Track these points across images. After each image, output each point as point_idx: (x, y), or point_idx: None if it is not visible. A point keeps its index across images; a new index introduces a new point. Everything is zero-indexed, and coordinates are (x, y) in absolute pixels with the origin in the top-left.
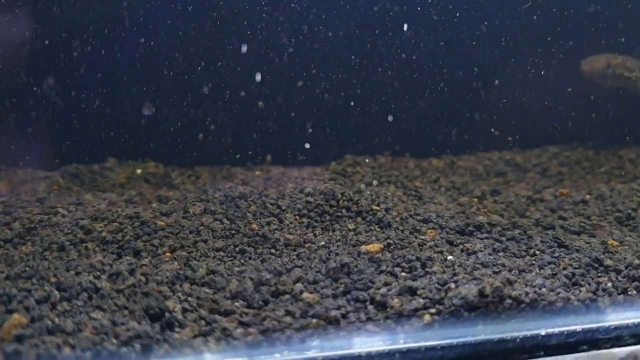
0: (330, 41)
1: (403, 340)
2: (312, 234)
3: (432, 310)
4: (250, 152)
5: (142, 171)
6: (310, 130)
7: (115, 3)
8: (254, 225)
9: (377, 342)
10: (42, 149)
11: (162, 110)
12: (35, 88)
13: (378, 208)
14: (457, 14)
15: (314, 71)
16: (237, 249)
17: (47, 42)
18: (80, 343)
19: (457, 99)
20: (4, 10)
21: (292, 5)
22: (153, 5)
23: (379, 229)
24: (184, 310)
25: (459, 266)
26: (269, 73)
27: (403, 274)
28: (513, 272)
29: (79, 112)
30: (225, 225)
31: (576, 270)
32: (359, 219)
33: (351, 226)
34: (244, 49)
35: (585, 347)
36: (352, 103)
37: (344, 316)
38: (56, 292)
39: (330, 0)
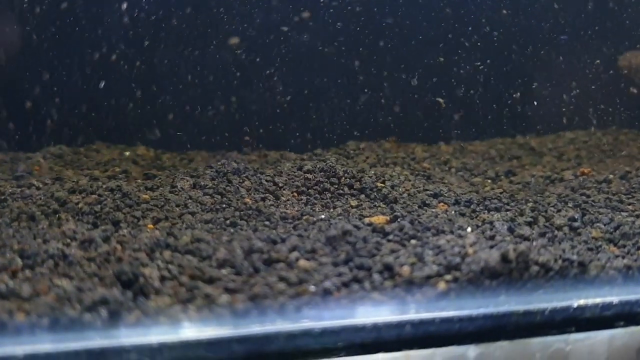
0: (332, 26)
1: (414, 310)
2: (310, 209)
3: (448, 277)
4: (246, 138)
5: (131, 153)
6: (310, 116)
7: None
8: (247, 200)
9: (384, 312)
10: (25, 131)
11: (155, 94)
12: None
13: (383, 185)
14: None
15: (314, 56)
16: (228, 221)
17: (33, 25)
18: (37, 309)
19: (468, 85)
20: None
21: None
22: None
23: (384, 205)
24: (163, 278)
25: (475, 234)
26: (266, 57)
27: (413, 241)
28: (538, 240)
29: (66, 94)
30: (215, 199)
31: (610, 239)
32: (362, 196)
33: (354, 203)
34: (240, 32)
35: (622, 322)
36: (353, 88)
37: (345, 284)
38: (18, 259)
39: None
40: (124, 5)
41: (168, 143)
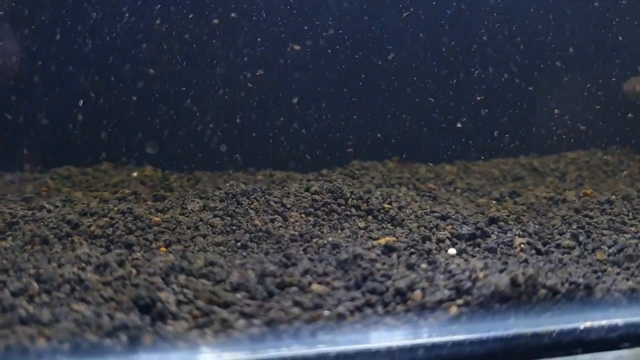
0: (335, 45)
1: (427, 334)
2: (319, 231)
3: (459, 302)
4: (252, 158)
5: (139, 174)
6: (315, 136)
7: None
8: (256, 221)
9: (397, 337)
10: (33, 152)
11: (161, 114)
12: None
13: (390, 206)
14: (470, 17)
15: (317, 74)
16: (239, 244)
17: (38, 45)
18: (58, 334)
19: (470, 105)
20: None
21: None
22: (150, 7)
23: (391, 227)
24: (179, 303)
25: (484, 258)
26: (271, 77)
27: (423, 265)
28: (547, 264)
29: (74, 115)
30: (225, 221)
31: (614, 261)
32: (369, 217)
33: (361, 224)
34: (247, 53)
35: (627, 343)
36: (357, 109)
37: (358, 309)
38: (35, 284)
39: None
40: (131, 27)
41: (174, 163)
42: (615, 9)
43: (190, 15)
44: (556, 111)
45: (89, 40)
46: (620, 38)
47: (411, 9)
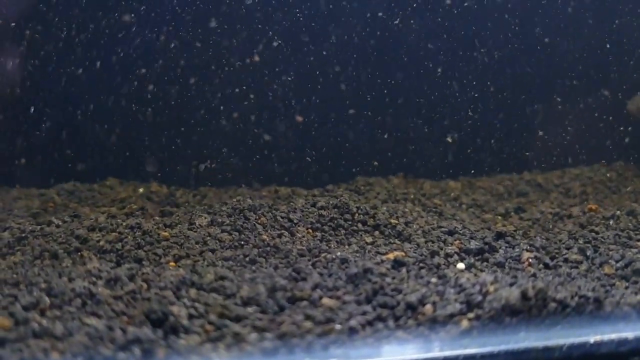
0: (341, 61)
1: (438, 348)
2: (326, 246)
3: (470, 316)
4: (257, 174)
5: (145, 190)
6: (319, 152)
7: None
8: (264, 236)
9: (409, 351)
10: (38, 168)
11: (167, 131)
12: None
13: (397, 222)
14: (464, 34)
15: (321, 92)
16: (248, 258)
17: (43, 59)
18: (71, 348)
19: (474, 121)
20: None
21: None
22: (161, 24)
23: (399, 242)
24: (191, 316)
25: (493, 272)
26: (275, 94)
27: (433, 279)
28: (555, 278)
29: (79, 130)
30: (233, 236)
31: (622, 275)
32: (376, 232)
33: (368, 239)
34: (249, 69)
35: (637, 357)
36: (362, 124)
37: (369, 323)
38: (46, 298)
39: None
40: (134, 44)
41: (180, 179)
42: (618, 26)
43: (193, 35)
44: (559, 127)
45: (95, 57)
46: (625, 57)
47: (414, 26)
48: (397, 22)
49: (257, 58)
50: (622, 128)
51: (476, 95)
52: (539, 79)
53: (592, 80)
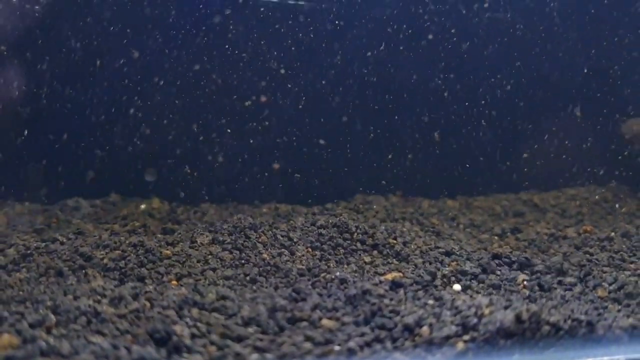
0: (340, 82)
1: None
2: (326, 265)
3: (466, 338)
4: (257, 191)
5: (147, 207)
6: (318, 169)
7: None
8: (264, 255)
9: None
10: (42, 183)
11: (168, 147)
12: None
13: (395, 242)
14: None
15: (323, 109)
16: (248, 277)
17: (47, 78)
18: None
19: (472, 140)
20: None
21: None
22: (163, 36)
23: (397, 262)
24: (193, 336)
25: (489, 294)
26: (276, 111)
27: (430, 301)
28: (550, 300)
29: (81, 147)
30: (234, 255)
31: (615, 298)
32: (375, 252)
33: (367, 259)
34: (253, 91)
35: None
36: (362, 143)
37: (368, 344)
38: (52, 316)
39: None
40: (135, 62)
41: (181, 195)
42: (614, 50)
43: (197, 55)
44: (555, 148)
45: (99, 76)
46: (619, 81)
47: (411, 49)
48: (395, 45)
49: (257, 77)
50: (616, 149)
51: (472, 115)
52: (535, 101)
53: (587, 103)
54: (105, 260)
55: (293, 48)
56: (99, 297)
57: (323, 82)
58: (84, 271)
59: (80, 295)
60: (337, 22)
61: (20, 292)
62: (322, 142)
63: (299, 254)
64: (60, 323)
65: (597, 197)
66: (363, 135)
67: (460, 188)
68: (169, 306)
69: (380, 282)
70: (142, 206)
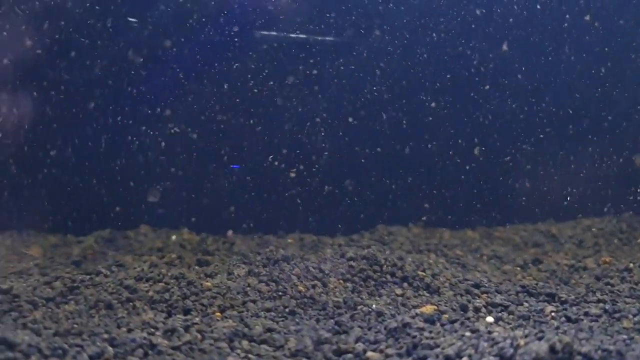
0: (358, 108)
1: None
2: (358, 297)
3: None
4: (280, 221)
5: (178, 238)
6: (342, 200)
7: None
8: (300, 288)
9: None
10: (74, 215)
11: (195, 178)
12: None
13: (424, 274)
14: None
15: (342, 139)
16: (287, 310)
17: (72, 106)
18: None
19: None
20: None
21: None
22: (197, 70)
23: (428, 294)
24: None
25: (520, 326)
26: (297, 144)
27: (467, 333)
28: (579, 331)
29: (111, 179)
30: (271, 287)
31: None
32: (405, 284)
33: (398, 291)
34: (272, 116)
35: None
36: (382, 173)
37: None
38: (110, 348)
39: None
40: (164, 99)
41: (209, 226)
42: (628, 78)
43: (223, 88)
44: (572, 178)
45: (128, 106)
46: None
47: (430, 73)
48: (414, 69)
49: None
50: (631, 180)
51: (484, 145)
52: (547, 129)
53: (601, 132)
54: (150, 293)
55: (310, 81)
56: (152, 330)
57: (343, 108)
58: (131, 304)
59: (134, 328)
60: (358, 58)
61: (75, 325)
62: (346, 173)
63: (332, 286)
64: (118, 355)
65: (612, 227)
66: (384, 166)
67: (479, 219)
68: (220, 338)
69: (417, 314)
70: (173, 237)
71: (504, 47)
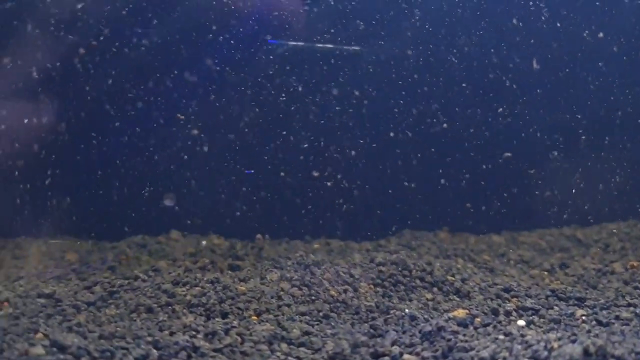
0: (382, 116)
1: None
2: (390, 302)
3: None
4: (307, 226)
5: (208, 243)
6: (368, 205)
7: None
8: (332, 292)
9: None
10: (107, 221)
11: (222, 183)
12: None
13: (454, 278)
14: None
15: (367, 143)
16: (321, 314)
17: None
18: None
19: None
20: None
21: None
22: (232, 85)
23: (458, 299)
24: None
25: (552, 329)
26: (325, 151)
27: (500, 336)
28: (612, 335)
29: (143, 185)
30: (304, 291)
31: None
32: (435, 289)
33: (428, 296)
34: (299, 124)
35: None
36: (407, 178)
37: None
38: (154, 351)
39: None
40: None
41: (236, 231)
42: None
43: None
44: (595, 182)
45: (153, 113)
46: None
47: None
48: (443, 77)
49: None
50: None
51: (514, 150)
52: (572, 135)
53: (627, 138)
54: (188, 297)
55: (338, 87)
56: (193, 333)
57: (366, 114)
58: (171, 307)
59: (176, 331)
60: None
61: (118, 328)
62: (372, 178)
63: (362, 291)
64: (162, 357)
65: (638, 232)
66: (412, 172)
67: (504, 223)
68: (260, 341)
69: (450, 318)
70: (204, 242)
71: (534, 64)
